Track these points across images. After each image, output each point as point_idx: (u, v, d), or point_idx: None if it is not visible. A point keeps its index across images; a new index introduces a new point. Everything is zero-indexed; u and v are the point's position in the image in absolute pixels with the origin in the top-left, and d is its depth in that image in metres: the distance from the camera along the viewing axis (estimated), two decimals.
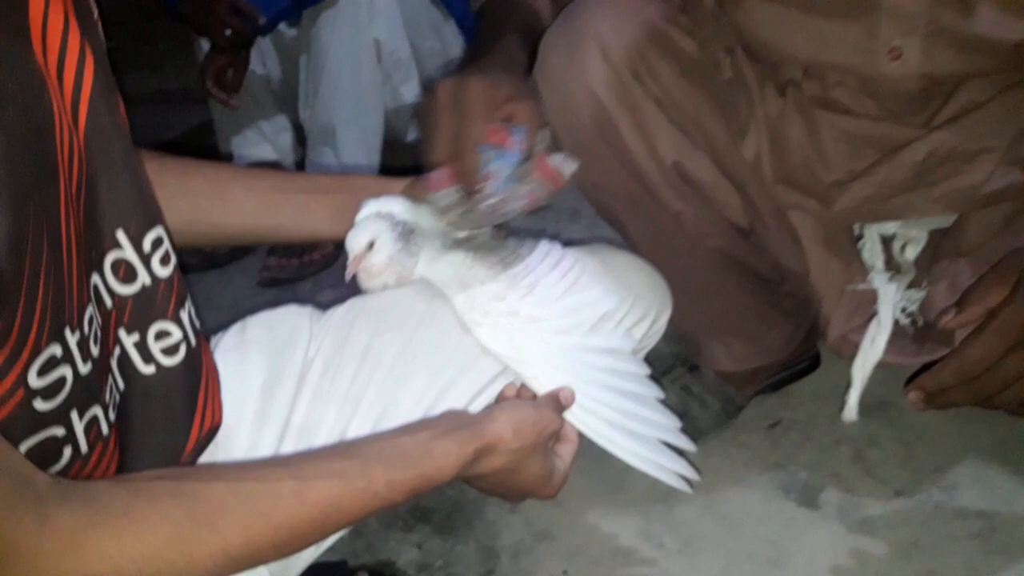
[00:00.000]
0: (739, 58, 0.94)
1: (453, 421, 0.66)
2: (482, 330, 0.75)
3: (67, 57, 0.53)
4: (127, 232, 0.59)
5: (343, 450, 0.65)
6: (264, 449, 0.72)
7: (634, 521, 1.05)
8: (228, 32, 1.66)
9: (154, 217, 0.62)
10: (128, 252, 0.59)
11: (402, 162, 2.01)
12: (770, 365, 1.17)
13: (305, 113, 1.81)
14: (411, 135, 1.96)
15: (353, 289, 0.81)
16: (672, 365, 1.20)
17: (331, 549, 0.71)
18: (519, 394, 0.75)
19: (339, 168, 1.79)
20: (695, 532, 1.03)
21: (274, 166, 1.96)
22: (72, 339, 0.53)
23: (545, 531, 1.06)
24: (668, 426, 0.79)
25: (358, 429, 0.73)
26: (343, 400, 0.74)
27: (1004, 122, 0.86)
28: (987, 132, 0.87)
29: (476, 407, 0.75)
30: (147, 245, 0.60)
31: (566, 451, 0.74)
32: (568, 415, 0.74)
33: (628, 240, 1.03)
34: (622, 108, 0.92)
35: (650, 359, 0.84)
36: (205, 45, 1.75)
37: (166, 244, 0.62)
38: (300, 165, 1.94)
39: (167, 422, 0.64)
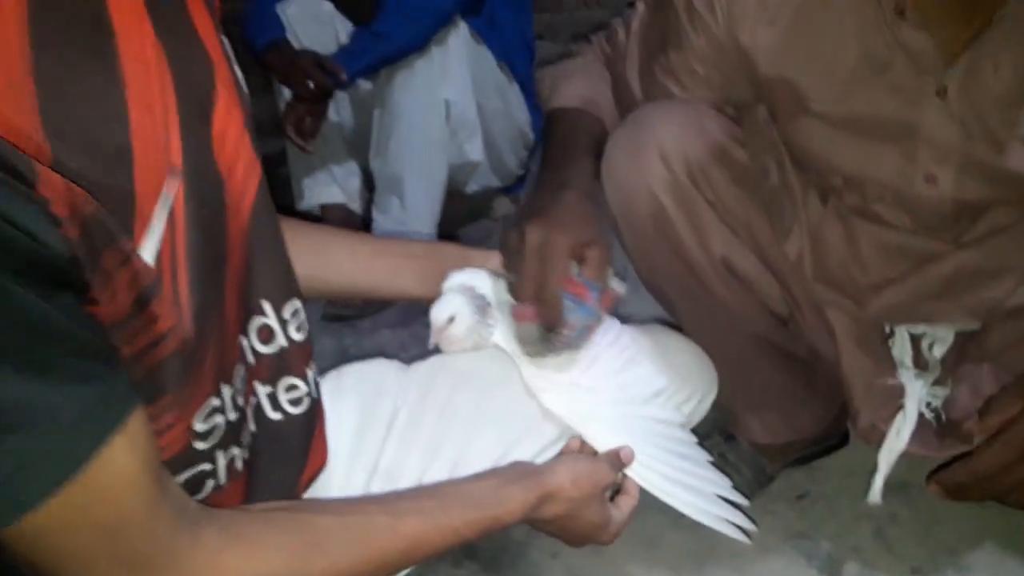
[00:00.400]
0: (786, 167, 1.02)
1: (521, 471, 0.75)
2: (546, 395, 0.83)
3: (239, 162, 0.62)
4: (272, 303, 0.67)
5: (429, 491, 0.73)
6: (355, 487, 0.80)
7: (666, 575, 1.12)
8: (311, 85, 1.77)
9: (294, 291, 0.70)
10: (271, 319, 0.68)
11: (460, 210, 2.11)
12: (801, 440, 1.24)
13: (376, 162, 1.91)
14: (470, 187, 2.06)
15: (409, 332, 0.90)
16: (710, 432, 1.27)
17: None
18: (582, 449, 0.83)
19: (402, 214, 1.90)
20: None
21: (342, 208, 2.06)
22: (227, 392, 0.62)
23: None
24: (721, 483, 0.86)
25: (436, 474, 0.81)
26: (424, 448, 0.83)
27: None
28: (1010, 253, 0.94)
29: (539, 462, 0.82)
30: (286, 314, 0.69)
31: (626, 504, 0.81)
32: (629, 471, 0.81)
33: (677, 319, 1.10)
34: (678, 207, 0.99)
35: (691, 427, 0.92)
36: (286, 92, 1.86)
37: (302, 315, 0.71)
38: (367, 209, 2.05)
39: (287, 461, 0.72)
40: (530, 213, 0.85)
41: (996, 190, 0.89)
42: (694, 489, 0.84)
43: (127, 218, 0.50)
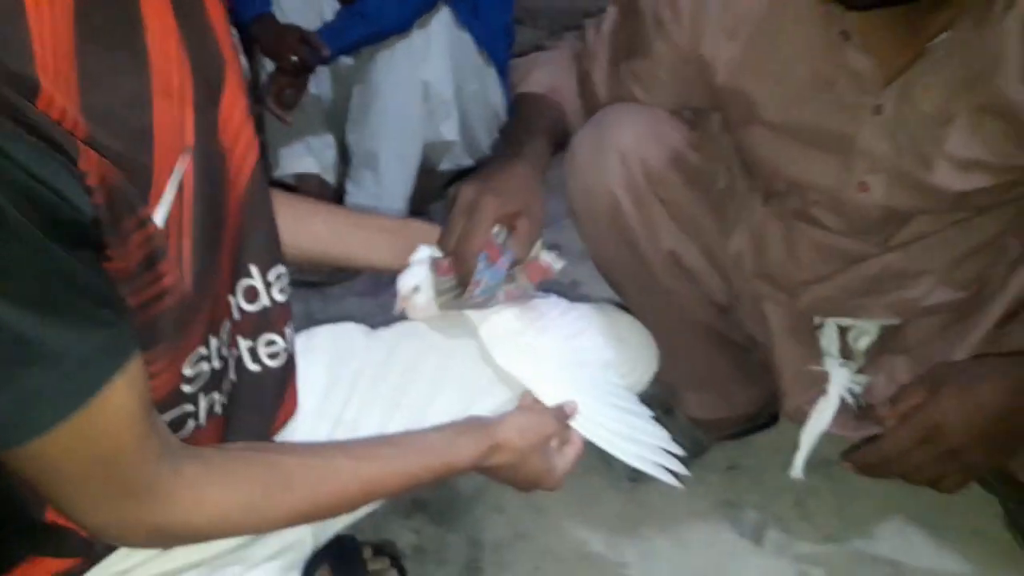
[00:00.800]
0: (734, 171, 1.10)
1: (473, 423, 0.82)
2: (501, 356, 0.90)
3: (240, 141, 0.69)
4: (258, 266, 0.74)
5: (386, 439, 0.80)
6: (319, 436, 0.88)
7: (602, 533, 1.22)
8: (294, 59, 1.81)
9: (279, 258, 0.77)
10: (257, 281, 0.74)
11: (433, 186, 2.17)
12: (734, 417, 1.34)
13: (352, 136, 1.96)
14: (444, 165, 2.12)
15: (376, 302, 0.96)
16: (651, 405, 1.37)
17: (345, 526, 0.86)
18: (532, 405, 0.89)
19: (375, 188, 1.96)
20: (652, 548, 1.19)
21: (316, 179, 2.12)
22: (214, 343, 0.69)
23: (524, 532, 1.22)
24: (660, 435, 0.93)
25: (396, 428, 0.89)
26: (386, 404, 0.91)
27: (945, 251, 1.01)
28: (930, 257, 1.02)
29: None
30: (271, 277, 0.76)
31: (570, 452, 0.88)
32: (575, 423, 0.88)
33: (627, 303, 1.19)
34: (633, 204, 1.08)
35: None
36: (268, 64, 1.91)
37: (285, 279, 0.78)
38: (340, 181, 2.11)
39: (261, 408, 0.78)
40: (475, 177, 0.92)
41: (921, 201, 0.97)
42: (632, 439, 0.91)
43: (145, 189, 0.57)
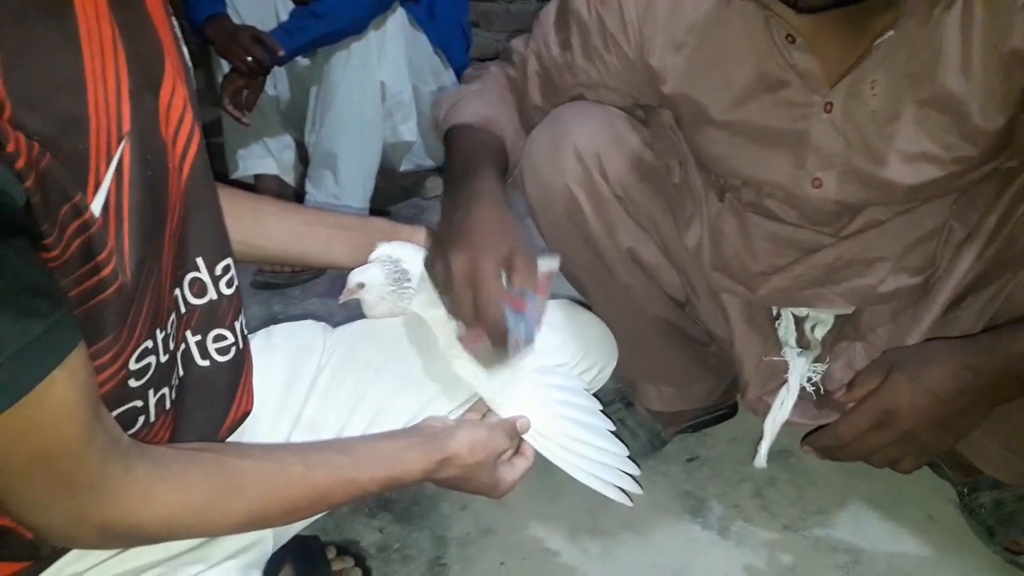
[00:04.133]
0: (688, 167, 1.12)
1: (427, 434, 0.82)
2: (457, 362, 0.89)
3: (181, 131, 0.67)
4: (205, 259, 0.73)
5: (341, 446, 0.79)
6: (279, 435, 0.88)
7: (564, 527, 1.22)
8: (249, 59, 1.81)
9: (226, 251, 0.75)
10: (203, 274, 0.73)
11: (393, 186, 2.18)
12: (694, 410, 1.36)
13: (311, 137, 1.96)
14: (404, 166, 2.12)
15: (338, 300, 0.93)
16: (612, 400, 1.39)
17: (308, 526, 0.85)
18: (484, 417, 0.90)
19: (335, 189, 1.96)
20: (614, 541, 1.20)
21: (275, 180, 2.11)
22: (159, 336, 0.68)
23: (489, 527, 1.23)
24: (615, 452, 0.93)
25: (355, 427, 0.89)
26: (345, 402, 0.91)
27: (897, 238, 1.04)
28: (883, 245, 1.05)
29: (451, 418, 0.91)
30: (218, 270, 0.74)
31: (520, 465, 0.88)
32: (527, 437, 0.88)
33: (587, 299, 1.20)
34: (590, 201, 1.09)
35: (594, 393, 1.01)
36: (225, 65, 1.90)
37: (232, 271, 0.76)
38: (300, 182, 2.10)
39: (212, 405, 0.77)
40: (449, 236, 0.86)
41: (874, 194, 0.99)
42: (584, 457, 0.91)
43: (81, 176, 0.56)
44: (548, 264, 0.92)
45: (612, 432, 0.94)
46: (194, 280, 0.73)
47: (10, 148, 0.50)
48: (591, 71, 1.08)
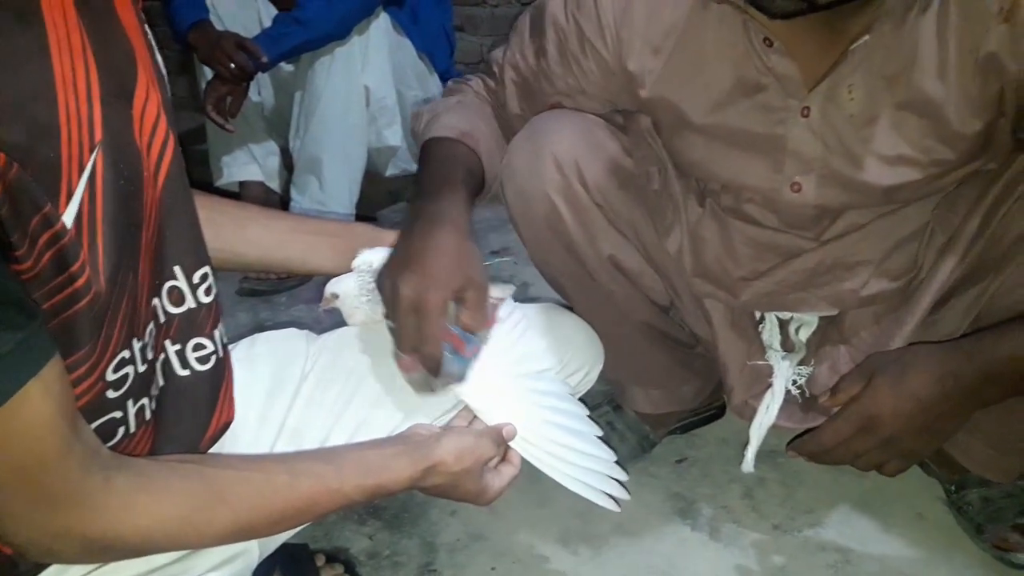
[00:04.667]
0: (668, 172, 1.12)
1: (412, 442, 0.81)
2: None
3: (156, 138, 0.67)
4: (182, 268, 0.72)
5: (326, 455, 0.79)
6: (263, 444, 0.87)
7: (555, 531, 1.22)
8: (232, 66, 1.80)
9: (204, 258, 0.75)
10: (181, 282, 0.72)
11: (379, 192, 2.17)
12: (681, 411, 1.36)
13: (295, 143, 1.96)
14: (389, 171, 2.12)
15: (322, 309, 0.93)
16: (600, 403, 1.39)
17: (297, 534, 0.84)
18: (470, 424, 0.89)
19: (320, 195, 1.95)
20: (604, 544, 1.20)
21: (260, 186, 2.10)
22: (137, 346, 0.67)
23: (479, 533, 1.22)
24: (603, 458, 0.92)
25: (338, 436, 0.89)
26: (329, 411, 0.90)
27: (878, 241, 1.04)
28: (865, 249, 1.05)
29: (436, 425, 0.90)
30: (196, 278, 0.74)
31: (507, 472, 0.87)
32: (514, 444, 0.88)
33: (570, 304, 1.20)
34: (570, 210, 1.09)
35: (582, 396, 1.01)
36: (208, 72, 1.90)
37: (210, 279, 0.76)
38: (285, 188, 2.09)
39: (193, 414, 0.77)
40: (404, 258, 0.85)
41: (853, 197, 0.99)
42: (571, 463, 0.90)
43: (53, 185, 0.56)
44: (500, 291, 0.92)
45: (600, 437, 0.94)
46: (172, 288, 0.72)
47: None
48: (568, 77, 1.07)
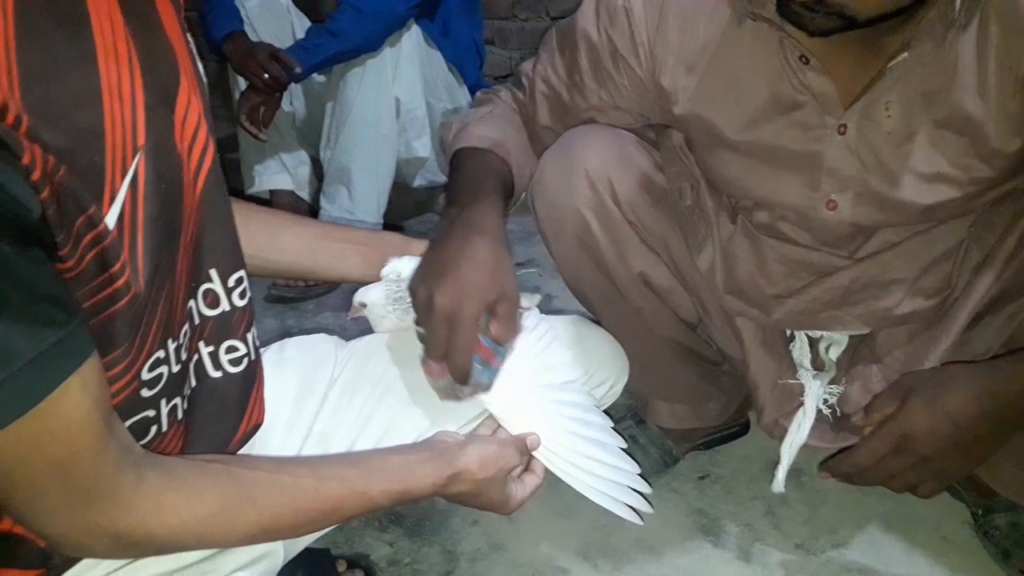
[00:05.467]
0: (700, 189, 1.11)
1: (438, 449, 0.82)
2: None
3: (196, 144, 0.68)
4: (218, 271, 0.74)
5: (352, 460, 0.80)
6: (291, 448, 0.88)
7: (575, 543, 1.22)
8: (266, 76, 1.83)
9: (239, 262, 0.76)
10: (217, 285, 0.74)
11: (406, 202, 2.19)
12: (705, 427, 1.35)
13: (326, 153, 1.98)
14: (417, 182, 2.14)
15: (350, 317, 0.95)
16: (624, 416, 1.39)
17: (319, 539, 0.85)
18: (495, 432, 0.90)
19: (349, 204, 1.97)
20: (625, 558, 1.20)
21: (290, 195, 2.12)
22: (172, 346, 0.68)
23: (499, 543, 1.22)
24: (626, 470, 0.92)
25: (364, 442, 0.89)
26: (356, 417, 0.91)
27: (912, 259, 1.03)
28: (899, 267, 1.04)
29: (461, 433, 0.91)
30: (231, 282, 0.75)
31: (530, 481, 0.88)
32: (537, 454, 0.88)
33: (598, 318, 1.20)
34: (601, 226, 1.09)
35: (606, 409, 1.00)
36: (241, 82, 1.93)
37: (245, 283, 0.77)
38: (315, 197, 2.11)
39: (224, 416, 0.78)
40: (439, 267, 0.85)
41: (889, 215, 0.98)
42: (595, 475, 0.90)
43: (97, 188, 0.57)
44: (527, 300, 0.93)
45: (623, 449, 0.94)
46: (207, 291, 0.74)
47: (26, 160, 0.51)
48: (601, 93, 1.08)
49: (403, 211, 2.21)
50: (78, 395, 0.55)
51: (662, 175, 1.12)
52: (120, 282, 0.59)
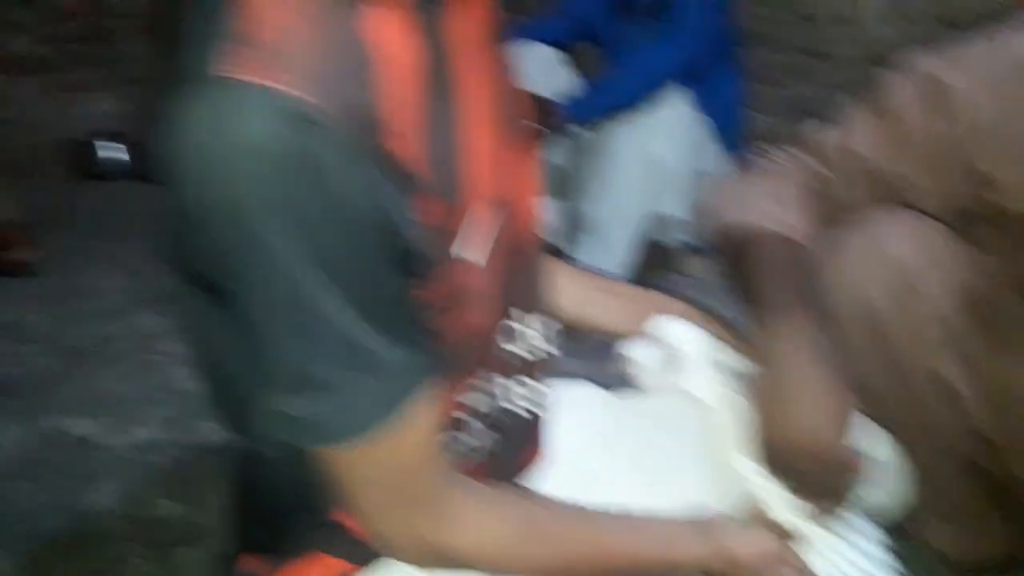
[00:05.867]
0: None
1: (711, 524, 0.78)
2: (743, 460, 0.84)
3: (528, 192, 0.74)
4: (528, 312, 0.77)
5: (628, 518, 0.77)
6: (567, 491, 0.83)
7: None
8: (528, 124, 1.88)
9: (543, 306, 0.81)
10: (525, 326, 0.77)
11: (653, 260, 2.18)
12: (988, 556, 1.20)
13: (582, 203, 2.02)
14: (667, 240, 2.13)
15: (599, 363, 0.96)
16: (889, 530, 1.25)
17: None
18: (760, 520, 0.83)
19: (598, 255, 1.99)
20: None
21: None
22: (486, 376, 0.72)
23: None
24: None
25: (630, 501, 0.83)
26: (625, 474, 0.87)
27: None
28: None
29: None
30: (537, 324, 0.79)
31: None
32: (801, 551, 0.81)
33: (877, 418, 0.99)
34: (901, 320, 1.02)
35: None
36: None
37: (551, 328, 0.81)
38: (563, 246, 2.13)
39: (516, 448, 0.81)
40: (779, 415, 0.81)
41: None
42: None
43: (459, 230, 0.62)
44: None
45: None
46: (515, 330, 0.77)
47: (424, 204, 0.57)
48: (911, 176, 0.98)
49: (649, 267, 2.21)
50: (426, 409, 0.60)
51: (980, 277, 1.02)
52: (468, 316, 0.65)
